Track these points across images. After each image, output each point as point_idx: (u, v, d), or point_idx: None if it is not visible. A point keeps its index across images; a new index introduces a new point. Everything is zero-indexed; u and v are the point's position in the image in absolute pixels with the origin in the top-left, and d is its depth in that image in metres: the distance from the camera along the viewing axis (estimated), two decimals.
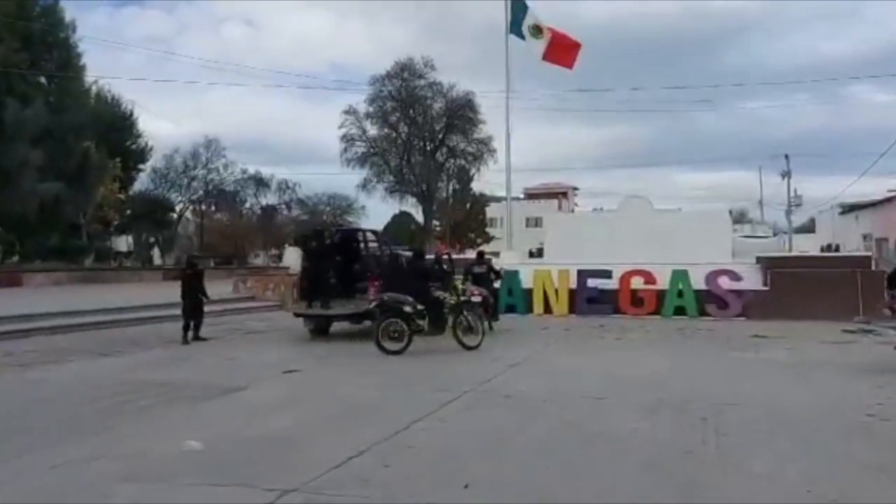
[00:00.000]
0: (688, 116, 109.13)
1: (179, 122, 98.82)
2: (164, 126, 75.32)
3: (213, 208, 53.54)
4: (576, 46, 23.70)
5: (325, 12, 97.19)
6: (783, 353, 12.27)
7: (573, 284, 20.25)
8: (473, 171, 53.87)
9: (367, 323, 14.59)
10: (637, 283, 19.95)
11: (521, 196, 77.66)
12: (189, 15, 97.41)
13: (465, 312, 12.27)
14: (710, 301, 19.02)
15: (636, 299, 19.78)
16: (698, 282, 19.19)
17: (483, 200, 61.96)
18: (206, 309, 14.09)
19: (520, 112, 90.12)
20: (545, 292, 20.61)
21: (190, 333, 13.41)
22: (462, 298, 12.38)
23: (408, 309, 11.76)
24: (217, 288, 26.27)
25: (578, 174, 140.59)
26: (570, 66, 23.88)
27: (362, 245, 15.56)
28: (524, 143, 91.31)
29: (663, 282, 19.59)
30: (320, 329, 15.02)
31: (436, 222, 58.60)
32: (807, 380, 9.45)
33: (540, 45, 23.18)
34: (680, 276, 19.31)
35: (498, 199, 66.04)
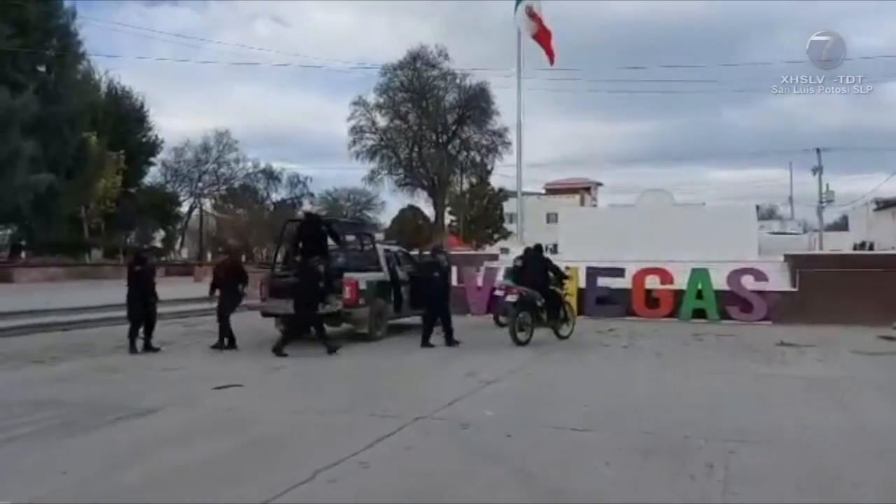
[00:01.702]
0: (717, 112, 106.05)
1: (201, 117, 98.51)
2: (185, 121, 74.62)
3: (230, 205, 52.59)
4: (549, 36, 22.63)
5: (350, 9, 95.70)
6: (813, 366, 10.59)
7: (583, 283, 18.58)
8: (491, 165, 52.24)
9: (346, 326, 13.26)
10: (652, 282, 18.25)
11: (542, 191, 75.92)
12: (219, 12, 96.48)
13: (566, 307, 13.46)
14: (732, 303, 17.27)
15: (651, 300, 18.10)
16: (720, 282, 17.46)
17: (501, 195, 60.19)
18: (175, 309, 12.72)
19: (543, 106, 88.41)
20: None
21: (140, 342, 11.63)
22: (567, 292, 13.52)
23: (539, 303, 12.71)
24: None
25: (603, 170, 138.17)
26: (551, 59, 22.76)
27: (335, 237, 13.98)
28: (547, 138, 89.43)
29: (681, 281, 17.87)
30: (294, 331, 13.56)
31: (452, 217, 57.04)
32: (842, 404, 7.77)
33: (533, 26, 21.98)
34: (699, 275, 17.58)
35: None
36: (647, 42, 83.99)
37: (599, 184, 78.88)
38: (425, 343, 12.31)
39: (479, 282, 19.47)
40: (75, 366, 10.39)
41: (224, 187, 49.44)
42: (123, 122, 42.28)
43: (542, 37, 22.18)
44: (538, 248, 14.03)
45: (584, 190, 76.37)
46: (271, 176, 50.32)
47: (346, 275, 12.80)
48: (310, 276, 11.91)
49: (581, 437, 6.33)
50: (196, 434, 6.36)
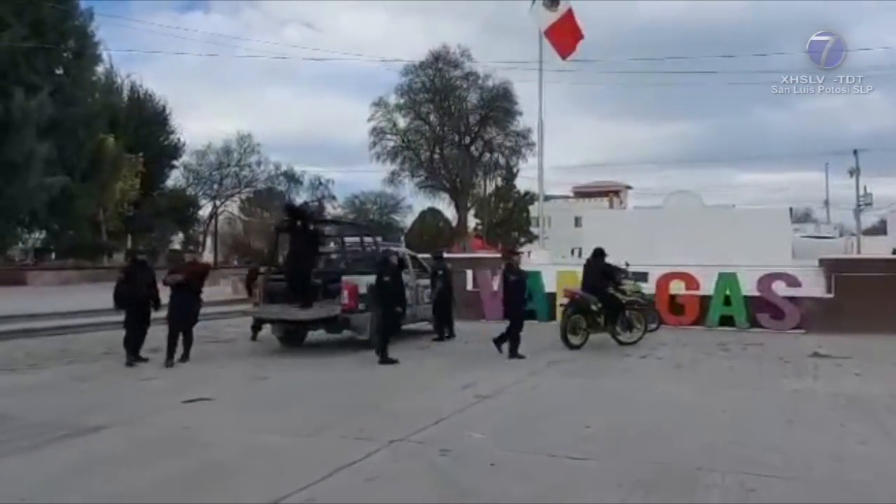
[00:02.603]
0: (750, 113, 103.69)
1: (231, 121, 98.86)
2: (214, 125, 74.82)
3: (258, 208, 52.36)
4: (578, 36, 21.30)
5: (382, 12, 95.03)
6: (850, 381, 9.55)
7: None
8: (516, 167, 51.23)
9: (347, 333, 12.52)
10: (677, 287, 17.20)
11: (570, 195, 74.74)
12: (251, 17, 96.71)
13: (627, 311, 12.89)
14: (762, 310, 16.15)
15: (675, 306, 17.03)
16: (749, 287, 16.37)
17: (527, 198, 59.16)
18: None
19: (573, 108, 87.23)
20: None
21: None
22: (629, 298, 12.99)
23: (594, 307, 12.44)
24: (223, 288, 24.60)
25: (634, 173, 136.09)
26: (564, 54, 21.49)
27: (337, 238, 13.28)
28: (577, 141, 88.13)
29: (708, 286, 16.81)
30: (291, 338, 12.89)
31: (477, 220, 56.15)
32: (883, 429, 6.76)
33: (549, 18, 20.77)
34: (727, 279, 16.49)
35: (546, 198, 63.31)
36: (680, 43, 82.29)
37: (629, 187, 77.47)
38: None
39: (495, 286, 18.61)
40: (48, 375, 9.78)
41: (247, 190, 49.15)
42: (145, 125, 42.20)
43: (559, 29, 21.10)
44: (598, 252, 13.25)
45: (612, 193, 75.10)
46: (293, 178, 49.92)
47: (345, 278, 12.04)
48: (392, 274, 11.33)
49: (576, 466, 5.46)
50: (133, 458, 5.62)
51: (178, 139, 45.06)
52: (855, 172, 50.80)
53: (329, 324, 12.04)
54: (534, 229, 58.56)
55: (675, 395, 8.47)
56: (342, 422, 6.82)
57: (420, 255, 16.08)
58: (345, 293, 11.81)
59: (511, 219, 57.99)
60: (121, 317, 10.90)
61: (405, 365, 10.77)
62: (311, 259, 12.36)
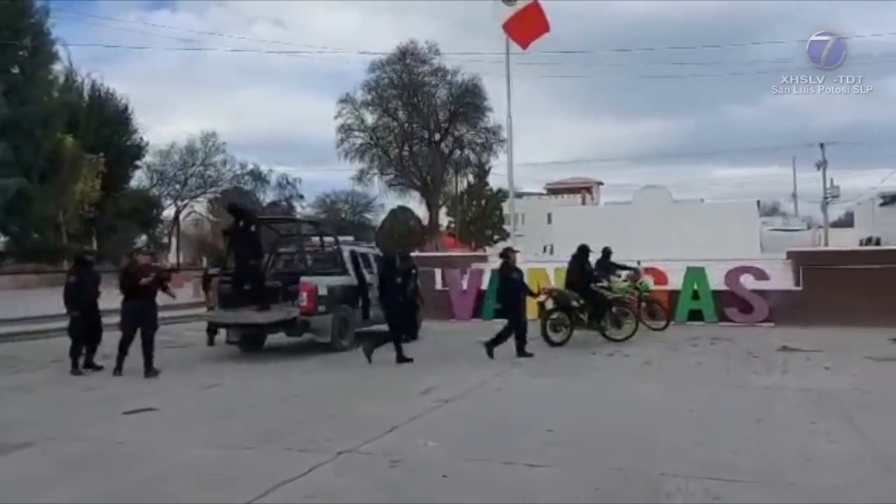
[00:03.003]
0: (722, 109, 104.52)
1: (202, 121, 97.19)
2: (184, 126, 73.18)
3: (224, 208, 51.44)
4: (542, 29, 21.05)
5: (353, 11, 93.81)
6: (820, 375, 9.37)
7: None
8: (488, 164, 50.90)
9: (308, 336, 12.10)
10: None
11: (544, 192, 74.71)
12: (219, 15, 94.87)
13: (615, 308, 12.81)
14: (730, 304, 16.01)
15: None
16: (718, 281, 16.22)
17: (500, 196, 58.95)
18: None
19: (547, 105, 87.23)
20: (535, 294, 17.74)
21: (82, 359, 10.21)
22: (616, 295, 12.96)
23: (574, 303, 12.34)
24: (186, 290, 23.91)
25: (609, 169, 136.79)
26: (525, 44, 21.21)
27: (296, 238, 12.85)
28: (552, 138, 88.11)
29: (677, 281, 16.64)
30: (249, 342, 12.43)
31: (449, 218, 55.78)
32: (854, 426, 6.54)
33: (507, 12, 20.53)
34: (695, 274, 16.30)
35: (519, 195, 63.09)
36: (654, 41, 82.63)
37: (600, 183, 77.63)
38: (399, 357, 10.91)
39: (465, 285, 18.31)
40: None
41: (212, 190, 48.23)
42: (106, 124, 41.07)
43: (519, 21, 20.84)
44: (581, 249, 13.05)
45: (585, 190, 75.18)
46: (259, 178, 49.05)
47: (303, 279, 11.62)
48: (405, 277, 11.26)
49: (534, 475, 5.15)
50: (55, 478, 5.19)
51: (141, 139, 44.01)
52: (822, 165, 51.26)
53: (288, 327, 11.60)
54: (507, 227, 58.36)
55: (641, 394, 8.20)
56: (291, 432, 6.44)
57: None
58: (303, 295, 11.39)
59: (484, 216, 57.76)
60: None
61: (365, 369, 10.39)
62: (255, 260, 11.90)
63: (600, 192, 77.50)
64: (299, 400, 8.12)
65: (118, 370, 9.83)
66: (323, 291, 11.65)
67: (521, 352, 11.03)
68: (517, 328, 11.14)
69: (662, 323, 14.46)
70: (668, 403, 7.69)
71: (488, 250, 34.28)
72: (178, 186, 46.67)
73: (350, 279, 12.68)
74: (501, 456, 5.58)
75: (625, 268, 14.45)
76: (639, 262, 14.60)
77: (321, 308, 11.62)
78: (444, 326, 14.98)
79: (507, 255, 12.01)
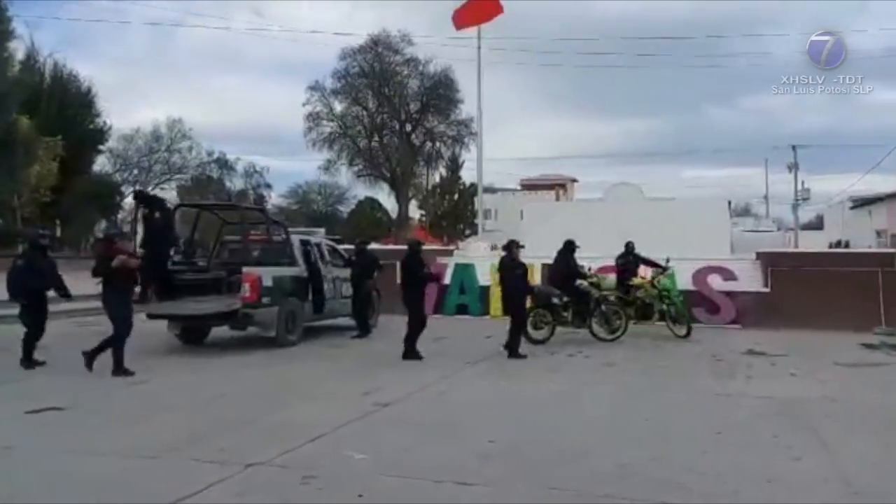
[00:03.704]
0: (699, 110, 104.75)
1: (173, 108, 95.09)
2: (157, 113, 71.58)
3: (198, 196, 50.16)
4: (493, 11, 21.16)
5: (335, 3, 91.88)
6: (785, 382, 8.90)
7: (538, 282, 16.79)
8: (461, 157, 50.24)
9: (253, 329, 11.43)
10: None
11: (518, 188, 74.33)
12: (200, 5, 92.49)
13: (604, 306, 12.40)
14: (698, 304, 15.58)
15: None
16: (686, 280, 15.78)
17: (472, 190, 58.37)
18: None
19: (525, 102, 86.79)
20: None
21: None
22: (603, 293, 12.51)
23: (555, 300, 11.98)
24: None
25: (584, 167, 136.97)
26: (462, 24, 21.60)
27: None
28: (529, 134, 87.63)
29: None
30: (190, 335, 11.73)
31: (421, 211, 55.08)
32: (820, 440, 6.02)
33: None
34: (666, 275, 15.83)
35: (493, 191, 62.54)
36: (634, 40, 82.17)
37: (574, 180, 77.44)
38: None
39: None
40: None
41: (178, 177, 47.06)
42: (68, 107, 39.89)
43: (470, 7, 20.98)
44: (566, 244, 12.62)
45: (559, 186, 74.95)
46: (225, 165, 47.92)
47: (246, 269, 10.94)
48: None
49: (461, 495, 4.56)
50: None
51: (105, 123, 42.75)
52: (793, 168, 51.37)
53: (229, 319, 10.93)
54: (480, 221, 57.84)
55: (597, 400, 7.68)
56: (204, 439, 5.79)
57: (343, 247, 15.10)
58: (246, 286, 10.71)
59: (456, 211, 57.13)
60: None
61: (310, 366, 9.78)
62: (161, 247, 11.21)
63: (575, 189, 77.43)
64: (226, 401, 7.48)
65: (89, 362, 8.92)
66: (268, 283, 11.00)
67: (514, 352, 10.48)
68: (516, 326, 10.67)
69: (685, 329, 13.04)
70: (624, 411, 7.17)
71: (460, 245, 33.70)
72: (135, 172, 45.35)
73: (300, 270, 12.04)
74: (432, 471, 4.99)
75: (653, 264, 13.70)
76: (668, 259, 13.81)
77: (266, 300, 10.96)
78: (404, 322, 14.33)
79: (510, 248, 11.24)
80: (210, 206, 16.50)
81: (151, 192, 16.49)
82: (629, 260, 13.77)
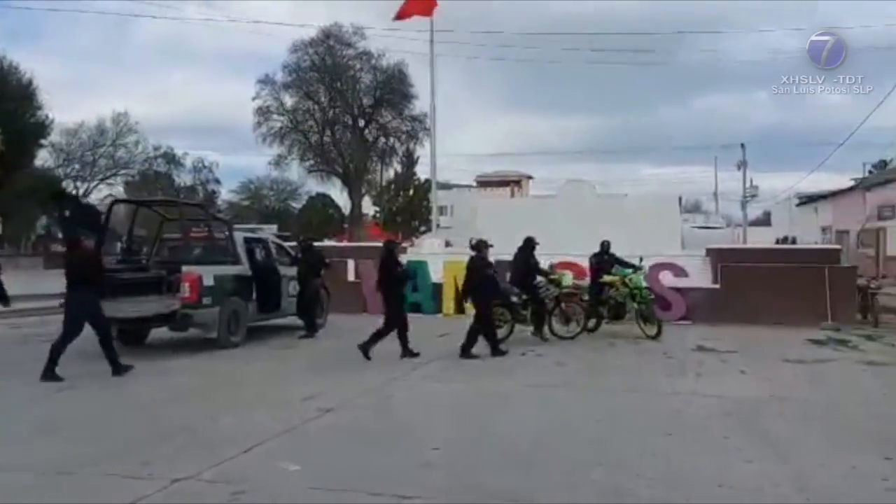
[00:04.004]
0: (652, 110, 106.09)
1: (124, 103, 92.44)
2: (105, 107, 69.38)
3: (146, 193, 48.81)
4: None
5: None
6: (735, 380, 8.85)
7: None
8: (417, 155, 49.81)
9: (194, 331, 10.98)
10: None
11: (473, 184, 74.22)
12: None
13: (563, 305, 12.35)
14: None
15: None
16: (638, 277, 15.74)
17: (428, 187, 58.02)
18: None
19: (480, 98, 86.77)
20: (458, 289, 16.97)
21: None
22: (563, 291, 12.37)
23: (514, 299, 11.82)
24: None
25: (540, 164, 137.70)
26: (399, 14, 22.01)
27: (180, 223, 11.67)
28: (483, 131, 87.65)
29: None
30: (128, 337, 11.21)
31: (375, 208, 54.50)
32: (769, 441, 5.91)
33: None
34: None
35: (449, 187, 62.27)
36: (591, 38, 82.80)
37: (530, 177, 77.69)
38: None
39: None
40: None
41: (124, 172, 45.69)
42: (9, 99, 38.36)
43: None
44: (526, 241, 12.36)
45: (514, 183, 75.12)
46: (172, 160, 46.69)
47: (185, 268, 10.48)
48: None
49: None
50: None
51: (47, 116, 41.23)
52: (742, 166, 52.31)
53: (168, 321, 10.46)
54: (435, 217, 57.54)
55: (547, 402, 7.49)
56: (128, 451, 5.41)
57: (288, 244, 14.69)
58: (185, 285, 10.26)
59: (411, 207, 56.70)
60: None
61: (251, 368, 9.41)
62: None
63: (530, 186, 77.67)
64: (158, 407, 7.06)
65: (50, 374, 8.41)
66: (209, 282, 10.56)
67: (466, 352, 10.28)
68: (485, 326, 10.44)
69: (655, 329, 12.72)
70: (574, 412, 6.98)
71: (415, 241, 33.36)
72: (78, 167, 43.88)
73: (243, 269, 11.62)
74: (370, 483, 4.72)
75: (626, 264, 13.43)
76: (641, 259, 13.67)
77: (207, 300, 10.53)
78: (354, 321, 13.98)
79: (479, 248, 10.92)
80: (149, 202, 15.88)
81: (65, 192, 15.81)
82: (604, 259, 13.61)
